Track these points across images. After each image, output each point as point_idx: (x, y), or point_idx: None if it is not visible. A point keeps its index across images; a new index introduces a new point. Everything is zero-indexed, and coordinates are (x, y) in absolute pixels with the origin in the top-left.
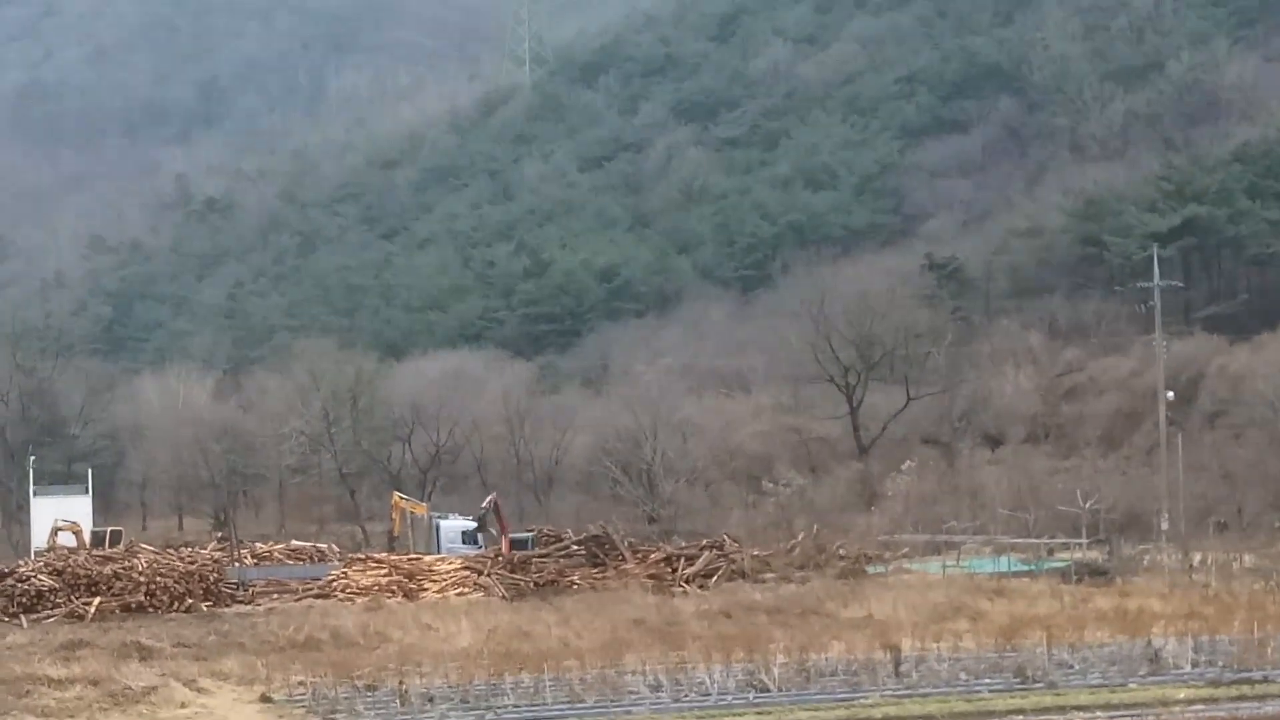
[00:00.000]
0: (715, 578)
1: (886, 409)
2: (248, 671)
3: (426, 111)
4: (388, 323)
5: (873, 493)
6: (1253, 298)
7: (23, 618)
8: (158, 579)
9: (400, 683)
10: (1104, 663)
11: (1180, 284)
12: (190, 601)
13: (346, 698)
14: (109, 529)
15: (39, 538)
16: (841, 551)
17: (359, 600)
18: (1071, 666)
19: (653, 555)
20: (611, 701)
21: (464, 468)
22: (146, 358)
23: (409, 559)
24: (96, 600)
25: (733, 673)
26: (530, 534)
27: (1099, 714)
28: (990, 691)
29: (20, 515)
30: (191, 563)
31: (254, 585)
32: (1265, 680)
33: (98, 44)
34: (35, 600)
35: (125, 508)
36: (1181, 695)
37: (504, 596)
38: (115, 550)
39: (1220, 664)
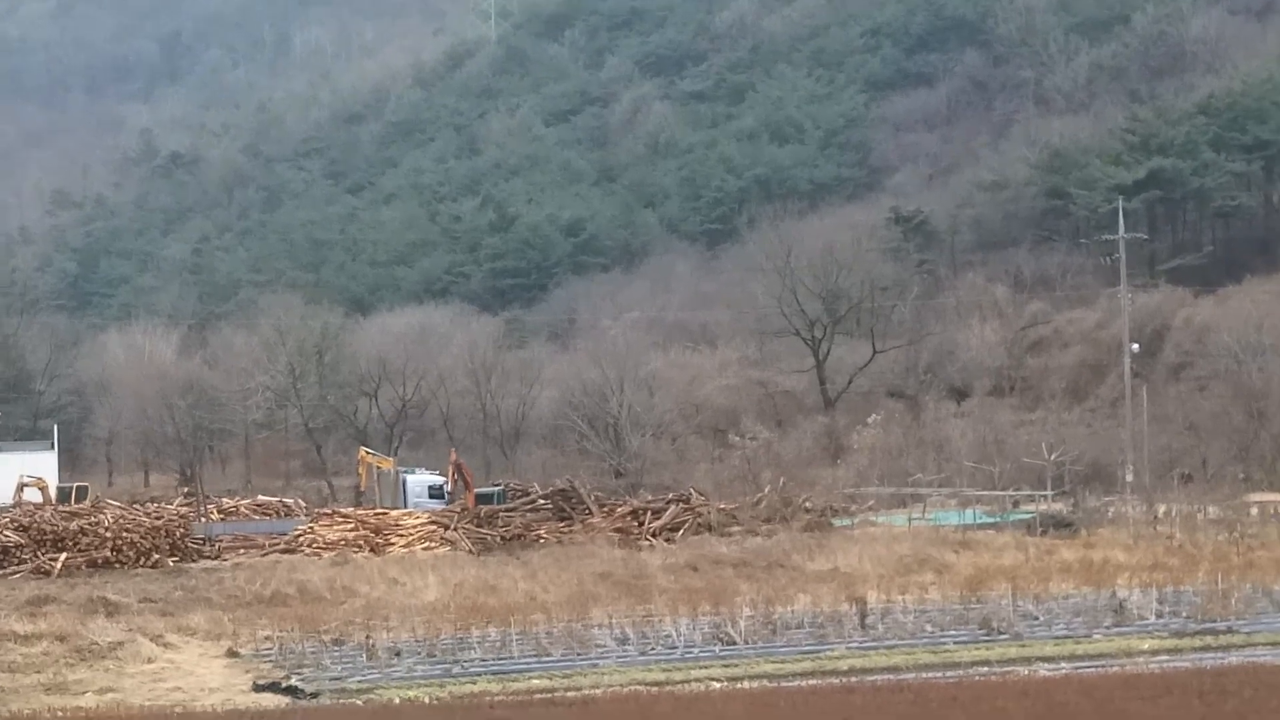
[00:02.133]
0: (681, 531)
1: (852, 362)
2: (214, 627)
3: (391, 65)
4: (353, 278)
5: (839, 446)
6: (1217, 250)
7: None
8: (124, 535)
9: (367, 637)
10: (1069, 614)
11: (1145, 236)
12: (156, 557)
13: (313, 652)
14: (75, 485)
15: (4, 494)
16: (807, 505)
17: (326, 555)
18: (1036, 618)
19: (619, 509)
20: (578, 655)
21: (430, 422)
22: (112, 313)
23: (375, 514)
24: (63, 556)
25: (699, 626)
26: (497, 488)
27: (1064, 665)
28: (955, 643)
29: None
30: (158, 518)
31: (220, 540)
32: (1229, 631)
33: None
34: (1, 556)
35: (91, 463)
36: (1146, 646)
37: (471, 551)
38: (81, 506)
39: (1184, 615)
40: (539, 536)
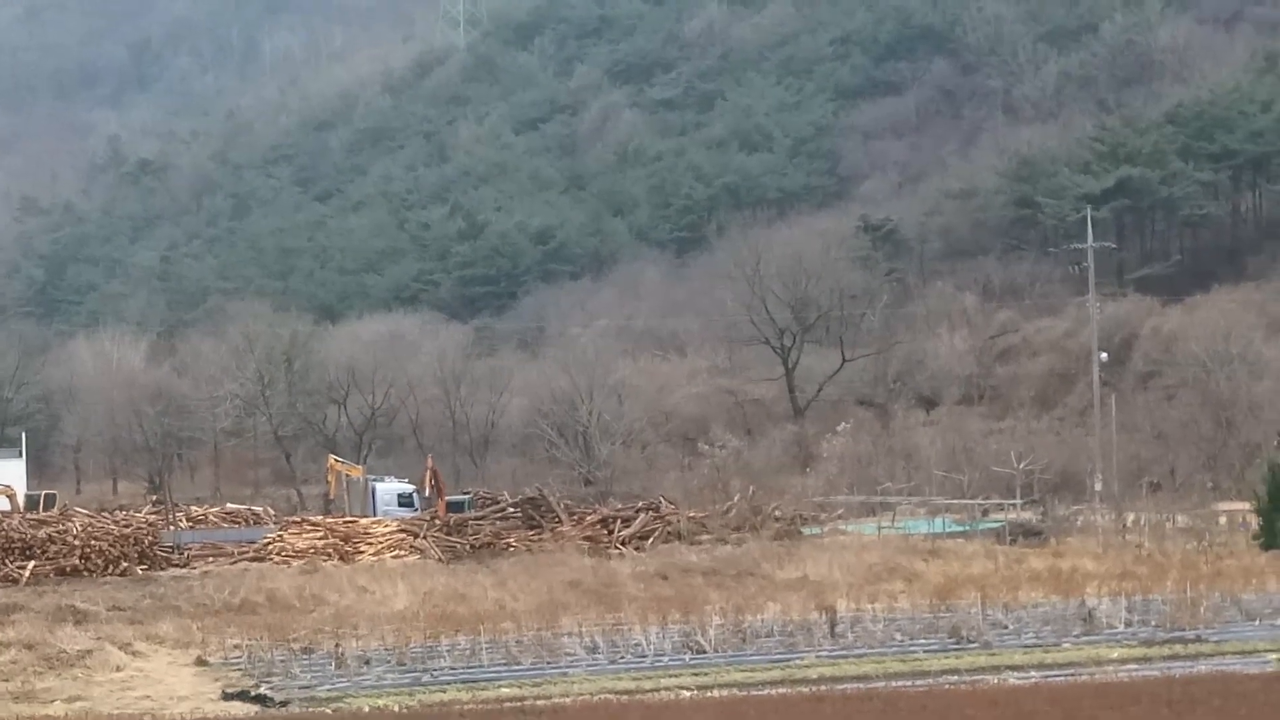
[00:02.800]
0: (651, 539)
1: (821, 370)
2: (183, 635)
3: (360, 73)
4: (322, 285)
5: (808, 454)
6: (1185, 259)
7: None
8: (92, 543)
9: (336, 645)
10: (1038, 623)
11: (1113, 245)
12: (125, 565)
13: (282, 660)
14: (43, 492)
15: None
16: (777, 513)
17: (295, 563)
18: (1006, 627)
19: (589, 517)
20: (548, 663)
21: (399, 430)
22: (80, 320)
23: (345, 522)
24: (30, 564)
25: (669, 634)
26: (466, 496)
27: (1033, 674)
28: (925, 652)
29: None
30: (126, 526)
31: (189, 548)
32: (1198, 639)
33: (29, 4)
34: None
35: (59, 471)
36: (1115, 655)
37: (440, 559)
38: (49, 514)
39: (1153, 624)
40: (508, 545)
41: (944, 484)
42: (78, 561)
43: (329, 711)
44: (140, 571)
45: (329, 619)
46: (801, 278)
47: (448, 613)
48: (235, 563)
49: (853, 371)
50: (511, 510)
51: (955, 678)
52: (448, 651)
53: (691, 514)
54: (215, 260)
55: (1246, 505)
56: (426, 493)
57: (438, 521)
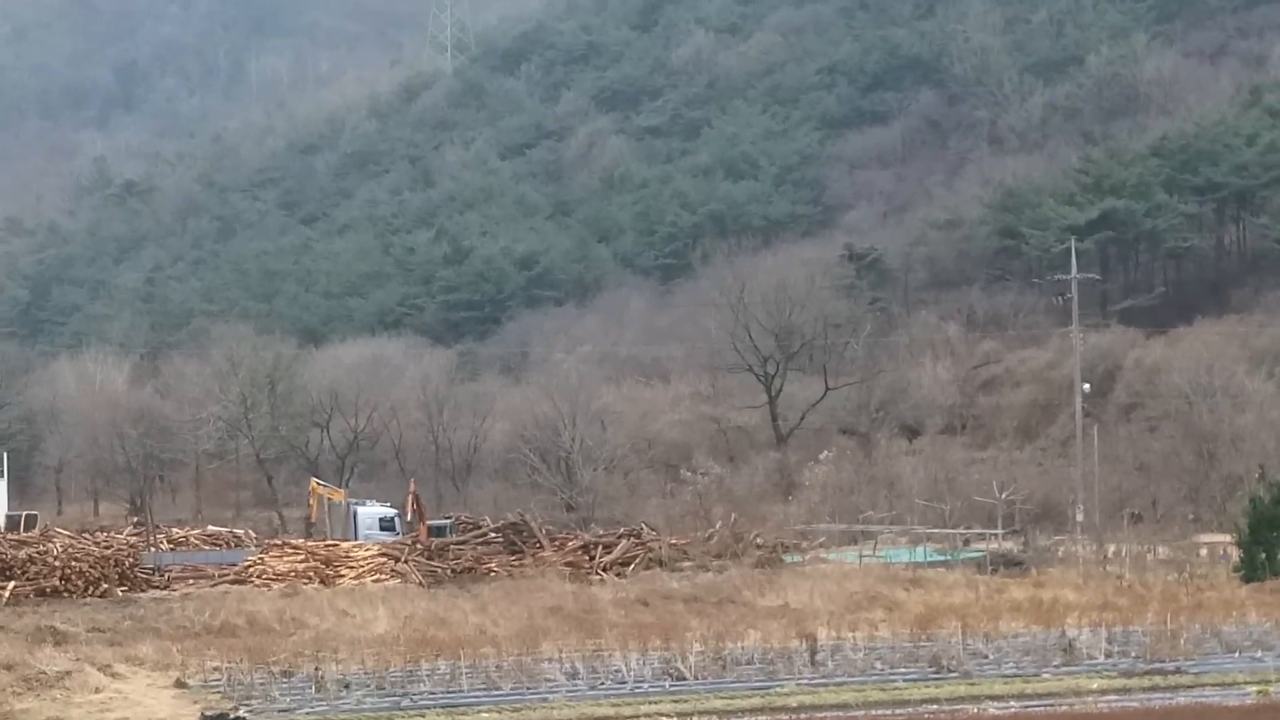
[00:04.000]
0: (633, 566)
1: (805, 399)
2: (163, 657)
3: (347, 96)
4: (306, 308)
5: (790, 482)
6: (1169, 291)
7: None
8: (73, 564)
9: (316, 669)
10: (1018, 653)
11: (1097, 277)
12: (105, 586)
13: (262, 683)
14: (24, 513)
15: None
16: (759, 540)
17: (275, 586)
18: (986, 656)
19: (570, 543)
20: (528, 689)
21: (382, 454)
22: (63, 341)
23: (326, 545)
24: (10, 585)
25: (649, 661)
26: (448, 521)
27: (1013, 704)
28: (905, 681)
29: None
30: (107, 547)
31: (170, 570)
32: (1178, 671)
33: (16, 24)
34: None
35: (41, 492)
36: (1095, 685)
37: (421, 583)
38: (30, 534)
39: (1133, 655)
40: (489, 569)
41: (926, 513)
42: (58, 582)
43: None
44: (120, 593)
45: (309, 642)
46: (786, 306)
47: (428, 637)
48: (216, 585)
49: (836, 400)
50: (493, 535)
51: (935, 707)
52: (428, 676)
53: (673, 541)
54: (199, 282)
55: (1228, 537)
56: (409, 517)
57: (419, 546)
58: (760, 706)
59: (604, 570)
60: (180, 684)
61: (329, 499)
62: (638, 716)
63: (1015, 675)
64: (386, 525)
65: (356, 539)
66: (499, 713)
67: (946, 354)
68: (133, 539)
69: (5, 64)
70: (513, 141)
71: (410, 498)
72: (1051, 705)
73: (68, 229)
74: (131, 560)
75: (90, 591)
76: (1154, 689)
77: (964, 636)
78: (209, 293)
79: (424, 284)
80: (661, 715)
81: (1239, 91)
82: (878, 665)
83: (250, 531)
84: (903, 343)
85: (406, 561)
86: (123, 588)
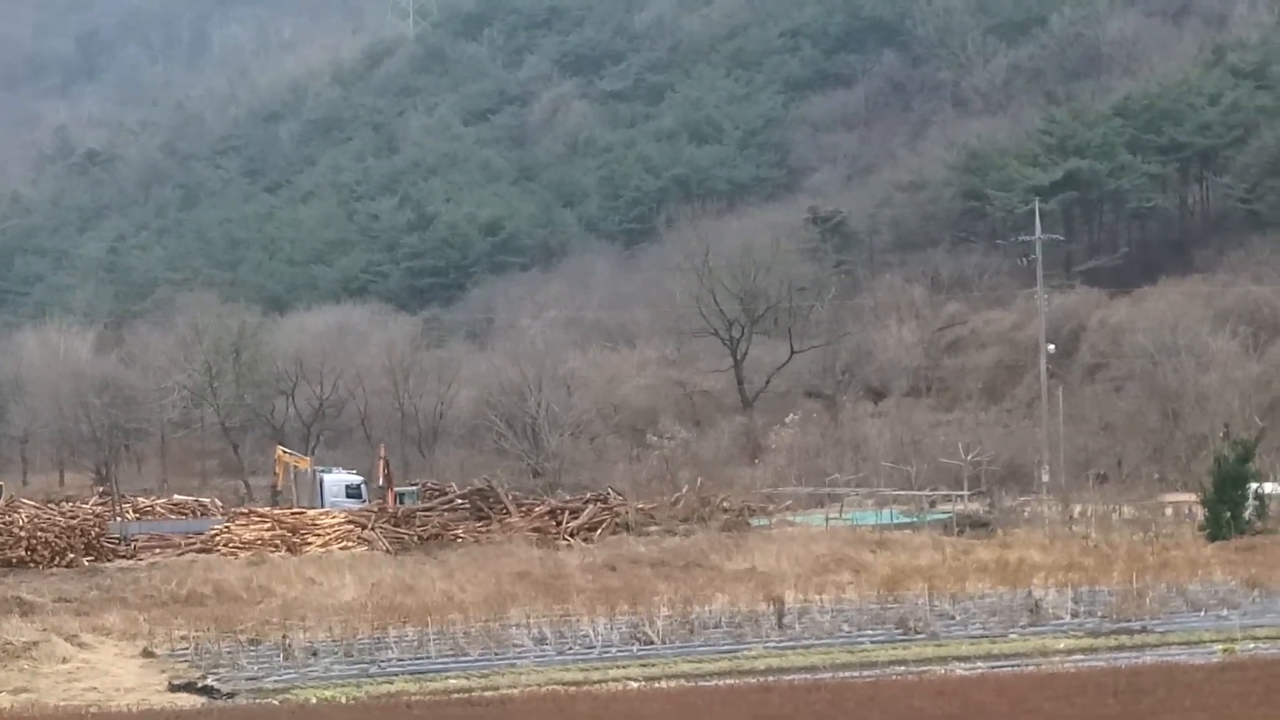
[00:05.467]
0: (599, 531)
1: (770, 362)
2: (130, 626)
3: (310, 64)
4: (271, 276)
5: (756, 445)
6: (1133, 251)
7: None
8: (38, 534)
9: (284, 637)
10: (985, 614)
11: (1061, 237)
12: (71, 556)
13: (229, 652)
14: None
15: None
16: (725, 504)
17: (242, 555)
18: (953, 617)
19: (537, 509)
20: (495, 654)
21: (348, 421)
22: (27, 311)
23: (292, 513)
24: None
25: (617, 626)
26: (414, 488)
27: (980, 664)
28: (872, 643)
29: None
30: (73, 517)
31: (136, 540)
32: (1144, 630)
33: None
34: None
35: (6, 462)
36: (1061, 645)
37: (388, 550)
38: None
39: (1099, 614)
40: (456, 536)
41: (892, 475)
42: (24, 553)
43: (276, 703)
44: (87, 563)
45: (276, 610)
46: (751, 269)
47: (395, 604)
48: (182, 554)
49: (801, 363)
50: (460, 501)
51: (902, 668)
52: (395, 643)
53: (640, 505)
54: (163, 251)
55: (1192, 496)
56: (381, 482)
57: (385, 513)
58: (728, 670)
59: (571, 536)
60: (148, 653)
61: (295, 467)
62: (606, 681)
63: (982, 636)
64: (353, 492)
65: (323, 506)
66: (467, 679)
67: (911, 316)
68: (98, 509)
69: None
70: (476, 107)
71: (381, 463)
72: (1018, 665)
73: (30, 199)
74: (97, 530)
75: (56, 562)
76: (1120, 648)
77: (930, 598)
78: (173, 261)
79: (388, 251)
80: (629, 679)
81: (1202, 51)
82: (845, 627)
83: (216, 500)
84: (868, 305)
85: (373, 528)
86: (89, 558)
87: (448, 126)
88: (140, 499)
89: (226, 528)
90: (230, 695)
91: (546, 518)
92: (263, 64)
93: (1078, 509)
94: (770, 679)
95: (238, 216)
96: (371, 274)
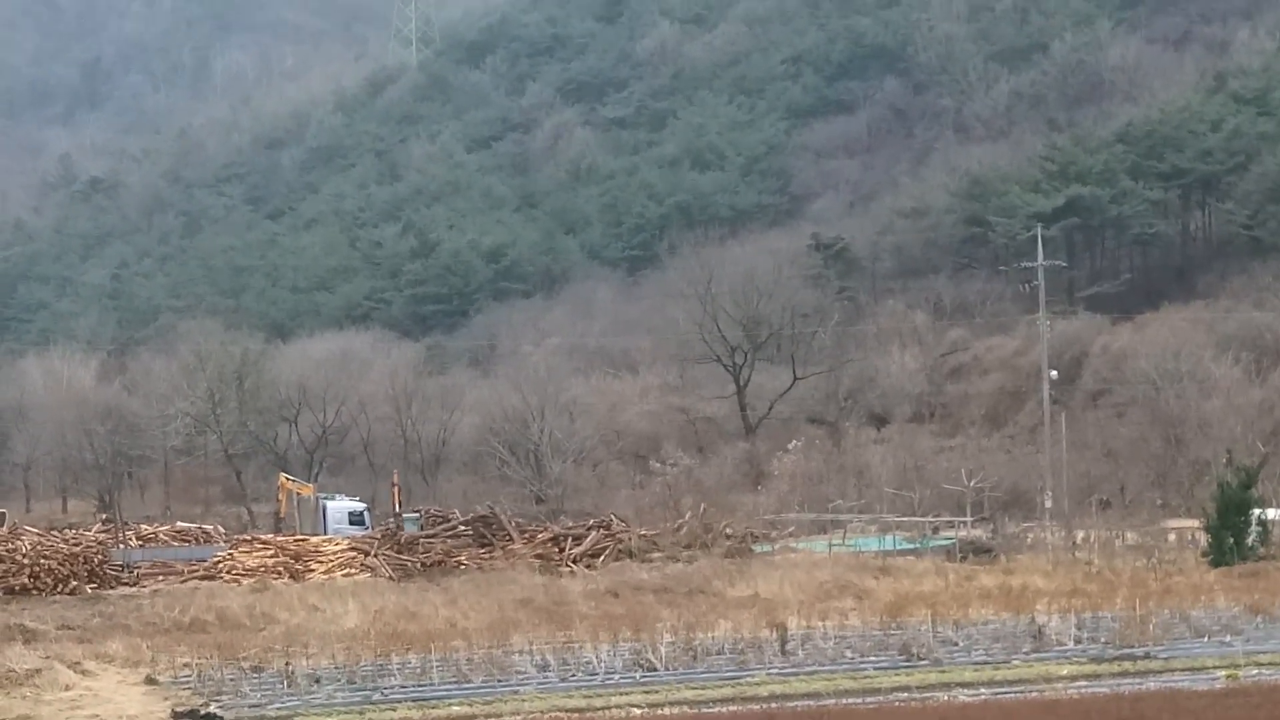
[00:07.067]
0: (602, 557)
1: (773, 389)
2: (132, 654)
3: (312, 91)
4: (273, 303)
5: (759, 472)
6: (1135, 277)
7: None
8: (41, 561)
9: (286, 664)
10: (988, 640)
11: (1063, 264)
12: (74, 584)
13: (232, 679)
14: None
15: None
16: (728, 531)
17: (245, 581)
18: (956, 644)
19: (540, 535)
20: (498, 681)
21: (351, 448)
22: (30, 339)
23: (295, 540)
24: None
25: (620, 652)
26: (417, 514)
27: (983, 691)
28: (876, 669)
29: None
30: (76, 544)
31: (139, 567)
32: (1147, 656)
33: None
34: None
35: (9, 490)
36: (1064, 672)
37: (391, 577)
38: None
39: (1103, 641)
40: (459, 563)
41: (895, 501)
42: (27, 580)
43: None
44: (90, 590)
45: (279, 637)
46: (753, 296)
47: (398, 631)
48: (185, 581)
49: (804, 389)
50: (463, 528)
51: (906, 695)
52: (398, 670)
53: (643, 532)
54: (166, 278)
55: (1195, 522)
56: (397, 509)
57: (388, 539)
58: (731, 696)
59: (574, 562)
60: (150, 680)
61: (298, 494)
62: (609, 708)
63: (985, 662)
64: (356, 519)
65: (326, 533)
66: (470, 706)
67: (914, 342)
68: (101, 536)
69: None
70: (479, 134)
71: (395, 490)
72: (1022, 692)
73: (33, 226)
74: (100, 557)
75: (59, 589)
76: (1124, 674)
77: (934, 624)
78: (176, 289)
79: (391, 278)
80: (632, 706)
81: (1203, 77)
82: (848, 654)
83: (219, 527)
84: (870, 331)
85: (376, 555)
86: (92, 585)
87: (450, 154)
88: (143, 526)
89: (229, 555)
90: None
91: (549, 544)
92: (265, 92)
93: (1081, 535)
94: (773, 705)
95: (240, 244)
96: (374, 301)
